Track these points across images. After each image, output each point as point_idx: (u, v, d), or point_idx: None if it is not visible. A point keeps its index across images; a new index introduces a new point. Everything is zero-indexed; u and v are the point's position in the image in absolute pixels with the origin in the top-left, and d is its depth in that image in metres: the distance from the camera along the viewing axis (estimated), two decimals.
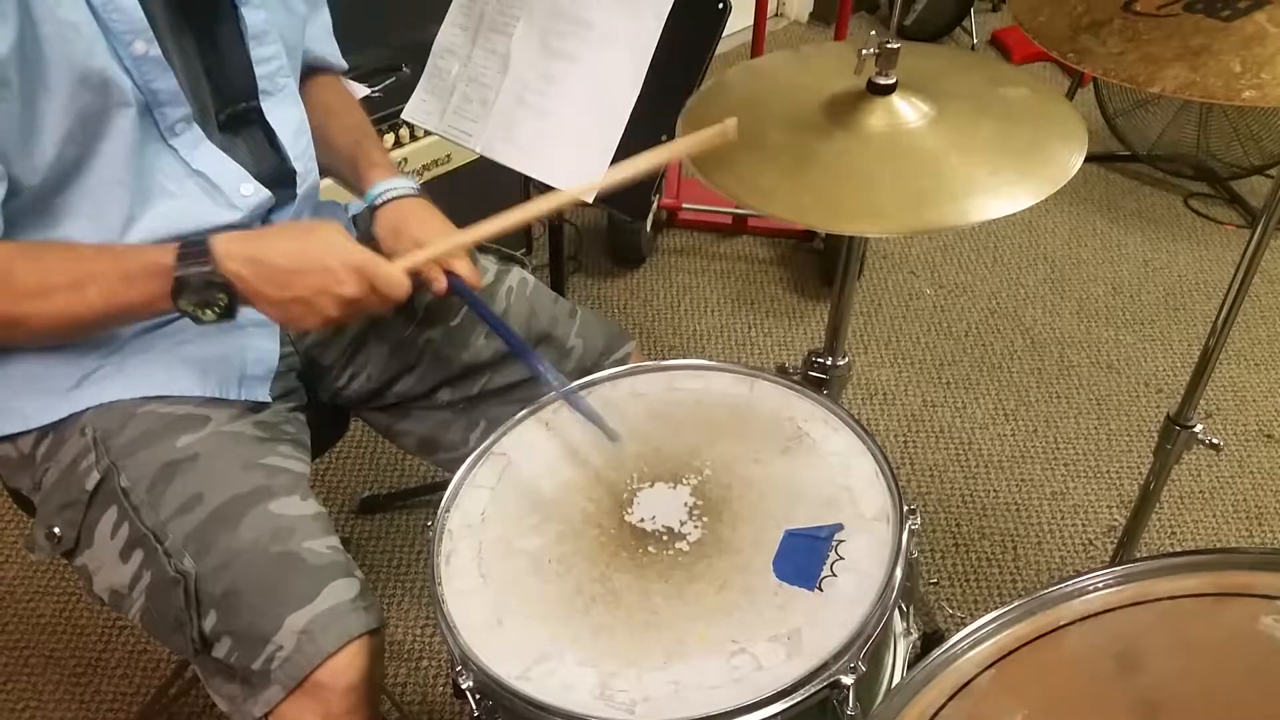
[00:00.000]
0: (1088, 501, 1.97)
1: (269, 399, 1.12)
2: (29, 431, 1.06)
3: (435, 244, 1.10)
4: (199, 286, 0.95)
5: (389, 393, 1.28)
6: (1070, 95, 3.09)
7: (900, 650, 1.03)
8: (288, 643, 0.93)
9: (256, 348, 1.12)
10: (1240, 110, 2.69)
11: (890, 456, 1.02)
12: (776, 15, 3.72)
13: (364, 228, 1.23)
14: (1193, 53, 0.72)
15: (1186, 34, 0.83)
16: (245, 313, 1.11)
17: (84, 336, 1.04)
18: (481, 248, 1.34)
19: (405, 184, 1.20)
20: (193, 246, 0.95)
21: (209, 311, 0.96)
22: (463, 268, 1.13)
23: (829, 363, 1.34)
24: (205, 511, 0.98)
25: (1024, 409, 2.18)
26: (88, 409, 1.04)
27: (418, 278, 1.09)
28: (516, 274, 1.31)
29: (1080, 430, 2.13)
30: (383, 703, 1.56)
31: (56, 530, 1.04)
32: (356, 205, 1.29)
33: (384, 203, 1.18)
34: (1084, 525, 1.92)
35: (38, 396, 1.05)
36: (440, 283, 1.12)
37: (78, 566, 1.05)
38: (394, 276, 1.01)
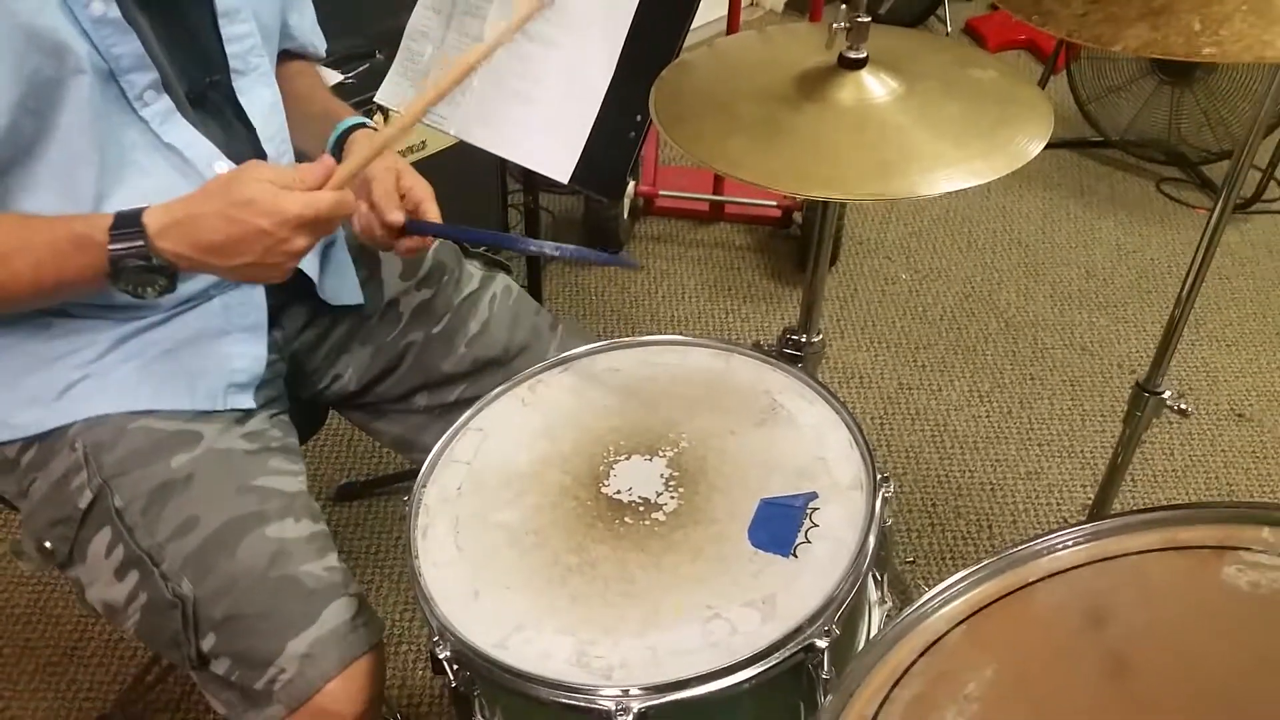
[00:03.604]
0: (1062, 480, 1.99)
1: (253, 405, 1.10)
2: (14, 440, 1.05)
3: (355, 154, 1.05)
4: (135, 270, 0.91)
5: (368, 394, 1.28)
6: (1043, 82, 3.12)
7: (875, 619, 1.04)
8: (290, 666, 0.94)
9: (242, 354, 1.10)
10: (1210, 95, 2.72)
11: (865, 431, 1.03)
12: (751, 4, 3.73)
13: None
14: (1154, 12, 0.73)
15: None
16: (230, 319, 1.09)
17: (17, 309, 1.00)
18: (467, 254, 1.35)
19: (360, 120, 1.19)
20: (125, 223, 0.91)
21: (150, 290, 0.93)
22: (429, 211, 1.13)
23: (803, 339, 1.35)
24: (202, 535, 0.97)
25: (998, 391, 2.20)
26: (75, 422, 1.03)
27: (377, 213, 1.09)
28: (501, 281, 1.32)
29: (1054, 411, 2.15)
30: None
31: (48, 544, 1.03)
32: None
33: (342, 137, 1.18)
34: (1058, 504, 1.94)
35: (23, 406, 1.03)
36: (396, 217, 1.10)
37: (70, 577, 1.04)
38: (335, 205, 0.95)
